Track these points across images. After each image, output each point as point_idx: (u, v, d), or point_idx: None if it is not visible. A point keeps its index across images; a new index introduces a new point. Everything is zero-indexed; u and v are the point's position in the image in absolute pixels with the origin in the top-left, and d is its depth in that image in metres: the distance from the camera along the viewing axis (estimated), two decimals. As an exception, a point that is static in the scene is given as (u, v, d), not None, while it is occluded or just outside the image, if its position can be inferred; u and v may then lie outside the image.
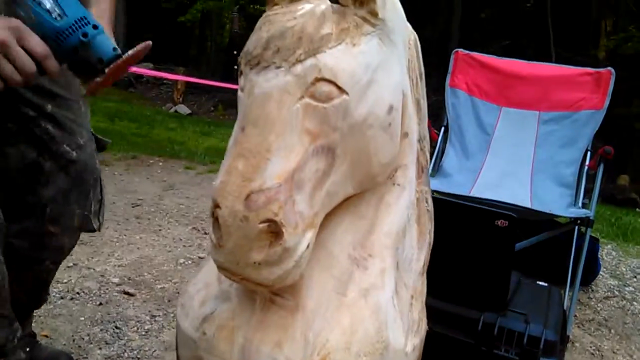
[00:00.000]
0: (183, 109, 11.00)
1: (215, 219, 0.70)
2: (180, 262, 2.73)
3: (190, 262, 2.70)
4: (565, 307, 2.22)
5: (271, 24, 0.72)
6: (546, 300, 1.71)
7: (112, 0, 1.22)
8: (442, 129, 2.95)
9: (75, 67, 0.95)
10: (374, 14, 0.71)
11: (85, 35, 0.90)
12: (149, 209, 3.94)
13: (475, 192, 2.62)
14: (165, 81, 11.99)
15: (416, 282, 0.88)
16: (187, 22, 14.60)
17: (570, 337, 2.25)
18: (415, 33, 0.85)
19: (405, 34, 0.79)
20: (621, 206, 7.44)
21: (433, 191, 2.60)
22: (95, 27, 0.92)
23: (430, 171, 2.95)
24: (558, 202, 2.52)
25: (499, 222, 1.42)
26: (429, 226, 0.92)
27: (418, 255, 0.88)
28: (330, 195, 0.73)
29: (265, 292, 0.76)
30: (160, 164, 5.74)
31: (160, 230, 3.32)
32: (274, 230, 0.67)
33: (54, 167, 1.22)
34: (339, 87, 0.69)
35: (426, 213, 0.91)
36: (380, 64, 0.72)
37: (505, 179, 2.71)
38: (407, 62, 0.81)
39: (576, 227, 2.36)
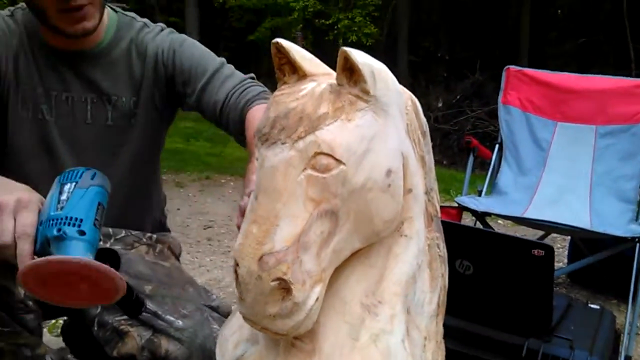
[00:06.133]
0: (256, 127, 11.31)
1: (237, 276, 0.81)
2: (245, 285, 2.87)
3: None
4: (628, 326, 2.18)
5: (277, 104, 0.83)
6: (596, 324, 1.71)
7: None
8: (497, 146, 2.95)
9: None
10: (366, 92, 0.80)
11: (59, 230, 0.86)
12: (220, 230, 4.15)
13: (532, 211, 2.60)
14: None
15: (429, 324, 0.95)
16: (258, 41, 15.05)
17: (633, 357, 2.20)
18: (413, 96, 0.92)
19: (401, 103, 0.87)
20: None
21: (489, 213, 2.62)
22: (82, 232, 0.87)
23: (485, 190, 2.96)
24: (619, 219, 2.47)
25: (535, 252, 1.45)
26: (442, 270, 0.98)
27: (430, 298, 0.95)
28: (337, 252, 0.83)
29: (286, 337, 0.86)
30: (232, 183, 5.99)
31: (229, 251, 3.50)
32: (285, 287, 0.78)
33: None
34: (336, 159, 0.78)
35: (438, 258, 0.98)
36: (376, 134, 0.81)
37: (563, 195, 2.68)
38: (407, 126, 0.89)
39: (637, 244, 2.31)
